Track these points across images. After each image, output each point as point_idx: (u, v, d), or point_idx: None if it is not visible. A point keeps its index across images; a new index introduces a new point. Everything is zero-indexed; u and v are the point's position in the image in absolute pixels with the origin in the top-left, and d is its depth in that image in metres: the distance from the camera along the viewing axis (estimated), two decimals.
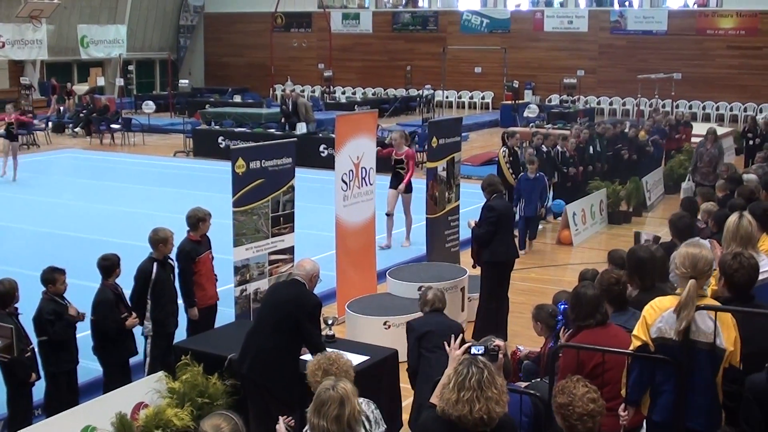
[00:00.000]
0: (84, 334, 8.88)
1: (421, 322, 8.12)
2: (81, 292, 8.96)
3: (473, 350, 5.17)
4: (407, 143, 15.42)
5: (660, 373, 5.75)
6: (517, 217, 14.52)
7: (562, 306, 7.37)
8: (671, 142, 23.74)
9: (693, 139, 25.23)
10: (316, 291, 7.84)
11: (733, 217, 7.10)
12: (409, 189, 15.37)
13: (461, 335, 5.49)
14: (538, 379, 7.01)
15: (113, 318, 8.69)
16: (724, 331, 5.62)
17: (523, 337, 10.25)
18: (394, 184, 15.34)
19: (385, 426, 5.66)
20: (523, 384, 6.97)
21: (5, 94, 35.77)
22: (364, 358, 7.93)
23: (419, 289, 10.44)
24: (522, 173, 16.18)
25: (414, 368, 7.88)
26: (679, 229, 8.96)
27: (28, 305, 8.39)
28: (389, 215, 15.24)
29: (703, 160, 18.43)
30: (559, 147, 18.50)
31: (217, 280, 10.11)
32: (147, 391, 7.92)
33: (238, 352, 7.72)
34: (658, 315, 5.67)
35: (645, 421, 5.95)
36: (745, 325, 5.76)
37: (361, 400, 5.09)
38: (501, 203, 11.26)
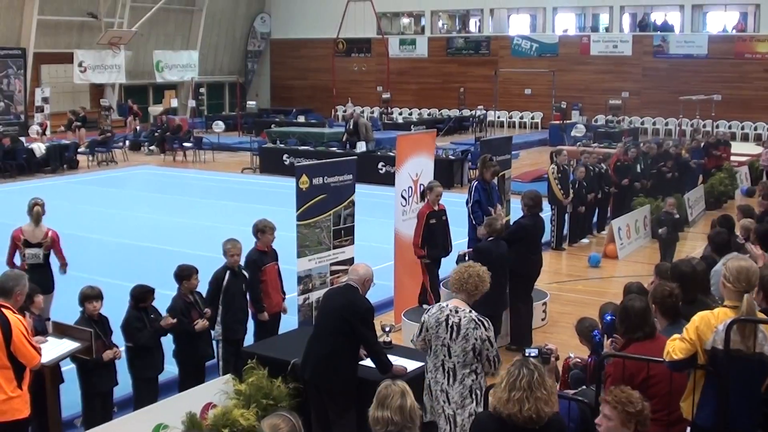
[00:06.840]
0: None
1: (489, 248, 10.32)
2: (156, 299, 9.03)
3: (527, 352, 5.11)
4: None
5: (710, 384, 5.59)
6: None
7: (609, 317, 7.24)
8: (711, 160, 23.23)
9: (732, 158, 25.00)
10: (376, 299, 7.82)
11: None
12: None
13: None
14: (585, 387, 6.91)
15: (180, 324, 8.77)
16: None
17: (571, 346, 10.14)
18: None
19: None
20: (571, 391, 6.89)
21: (87, 114, 36.29)
22: (419, 363, 7.88)
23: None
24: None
25: None
26: (717, 244, 9.05)
27: (109, 310, 8.50)
28: None
29: None
30: (603, 165, 18.34)
31: (284, 294, 10.16)
32: (216, 392, 7.97)
33: (300, 357, 7.74)
34: (711, 329, 5.46)
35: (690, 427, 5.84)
36: None
37: None
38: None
